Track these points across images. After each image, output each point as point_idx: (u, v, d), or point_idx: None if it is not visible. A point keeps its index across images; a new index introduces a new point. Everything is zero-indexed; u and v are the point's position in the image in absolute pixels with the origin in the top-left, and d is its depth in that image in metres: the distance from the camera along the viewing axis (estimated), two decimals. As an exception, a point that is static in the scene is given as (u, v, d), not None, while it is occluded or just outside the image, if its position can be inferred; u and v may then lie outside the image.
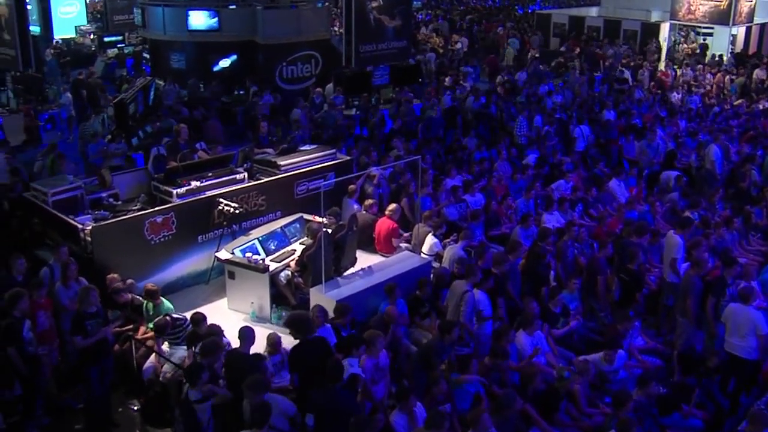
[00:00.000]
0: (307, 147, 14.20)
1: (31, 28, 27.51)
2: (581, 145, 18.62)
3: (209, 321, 10.21)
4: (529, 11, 46.25)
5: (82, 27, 33.38)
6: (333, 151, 14.12)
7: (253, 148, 14.00)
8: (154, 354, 9.77)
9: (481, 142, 18.48)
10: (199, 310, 11.06)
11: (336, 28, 28.89)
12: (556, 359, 10.23)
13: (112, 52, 30.03)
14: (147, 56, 27.20)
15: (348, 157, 14.42)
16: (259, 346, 9.35)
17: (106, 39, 30.77)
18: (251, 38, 23.61)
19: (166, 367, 9.60)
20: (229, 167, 12.63)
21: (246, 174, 12.62)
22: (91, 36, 32.95)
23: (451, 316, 10.31)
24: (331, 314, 9.94)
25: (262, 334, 10.44)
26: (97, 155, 16.29)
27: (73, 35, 30.53)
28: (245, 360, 8.74)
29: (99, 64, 27.34)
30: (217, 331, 9.28)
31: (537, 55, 30.19)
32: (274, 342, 9.29)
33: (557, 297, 11.01)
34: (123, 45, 30.61)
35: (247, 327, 9.13)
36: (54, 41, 30.42)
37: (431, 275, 11.67)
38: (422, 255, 12.35)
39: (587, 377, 9.44)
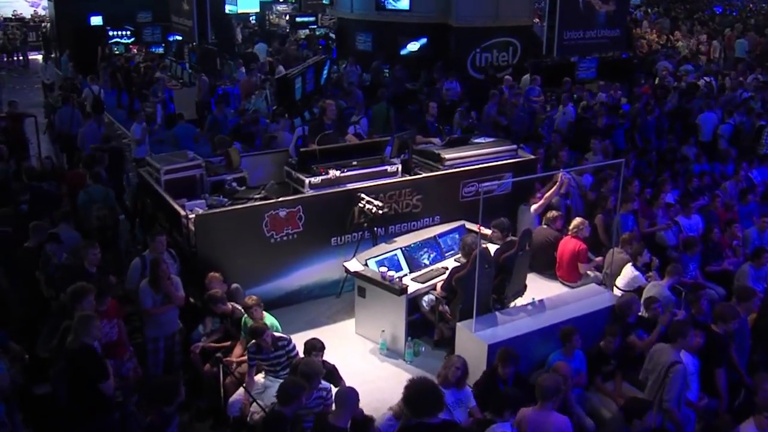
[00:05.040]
0: (481, 140, 11.55)
1: (228, 7, 27.11)
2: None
3: (332, 345, 8.08)
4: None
5: (278, 7, 32.76)
6: (514, 147, 11.39)
7: (414, 136, 11.52)
8: (243, 386, 7.56)
9: (701, 152, 14.98)
10: (321, 330, 9.02)
11: (537, 21, 26.00)
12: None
13: (303, 32, 29.02)
14: (333, 36, 25.70)
15: (532, 156, 11.60)
16: (386, 393, 6.89)
17: (298, 19, 29.86)
18: (444, 21, 21.40)
19: (256, 406, 7.34)
20: (380, 156, 10.27)
21: (400, 166, 10.23)
22: (287, 17, 32.23)
23: (650, 393, 7.30)
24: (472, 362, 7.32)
25: (389, 373, 8.22)
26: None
27: (257, 9, 29.63)
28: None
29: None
30: (314, 372, 6.77)
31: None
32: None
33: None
34: (315, 26, 29.48)
35: (348, 390, 6.44)
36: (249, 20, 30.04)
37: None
38: (615, 290, 9.38)
39: None
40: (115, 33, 25.65)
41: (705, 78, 20.91)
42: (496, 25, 21.41)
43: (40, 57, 29.68)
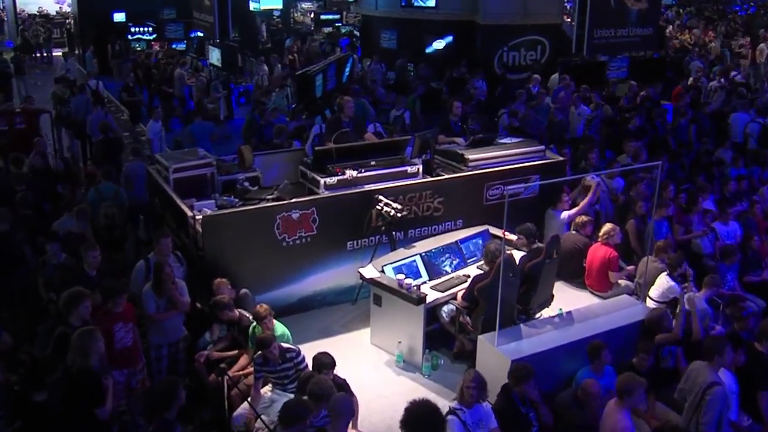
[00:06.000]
0: (507, 140, 11.00)
1: (253, 5, 26.80)
2: None
3: (345, 356, 7.71)
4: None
5: (303, 5, 32.46)
6: (541, 147, 10.81)
7: (437, 135, 10.97)
8: (249, 399, 7.09)
9: (738, 156, 14.29)
10: (334, 339, 8.61)
11: (569, 20, 25.38)
12: None
13: (327, 30, 28.65)
14: (357, 34, 25.30)
15: (560, 158, 11.01)
16: (401, 410, 6.29)
17: (323, 17, 29.47)
18: (470, 18, 20.84)
19: (260, 422, 6.86)
20: (399, 156, 9.75)
21: (421, 167, 9.71)
22: (311, 15, 31.92)
23: (687, 415, 6.74)
24: (494, 379, 6.78)
25: (405, 388, 7.75)
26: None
27: (279, 6, 29.31)
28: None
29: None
30: (324, 394, 6.22)
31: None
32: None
33: None
34: (340, 24, 29.09)
35: (341, 397, 6.05)
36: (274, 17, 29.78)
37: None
38: (649, 301, 8.80)
39: None
40: (137, 29, 25.40)
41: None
42: (525, 23, 20.85)
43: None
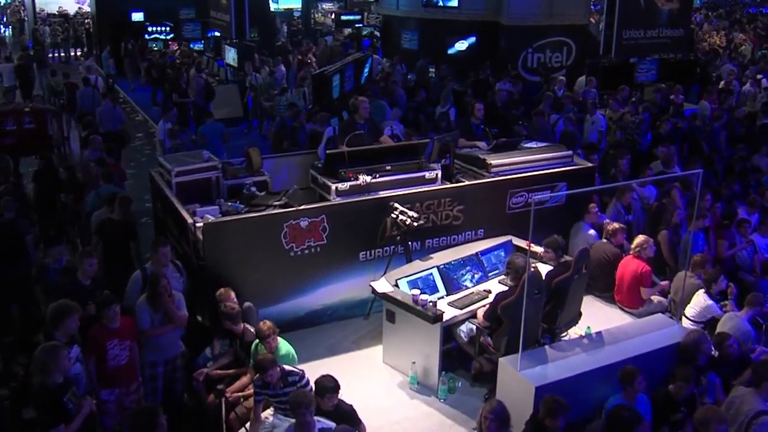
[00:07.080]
0: (533, 144, 10.36)
1: (273, 5, 26.48)
2: None
3: (356, 375, 7.32)
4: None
5: (324, 5, 32.12)
6: (569, 153, 10.16)
7: (457, 138, 10.34)
8: (248, 424, 6.52)
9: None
10: (344, 357, 8.06)
11: (593, 20, 24.70)
12: None
13: (347, 31, 28.25)
14: (378, 35, 24.86)
15: (590, 164, 10.35)
16: None
17: (343, 18, 29.11)
18: (494, 18, 20.33)
19: (260, 450, 6.30)
20: (417, 161, 9.13)
21: (440, 173, 9.09)
22: (332, 15, 31.54)
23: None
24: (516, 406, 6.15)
25: (419, 414, 7.22)
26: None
27: (298, 5, 28.94)
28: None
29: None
30: (300, 402, 5.68)
31: None
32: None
33: None
34: (361, 25, 28.67)
35: (343, 430, 5.57)
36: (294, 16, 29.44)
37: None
38: (684, 320, 8.13)
39: None
40: (154, 29, 25.12)
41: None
42: (550, 24, 20.28)
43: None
